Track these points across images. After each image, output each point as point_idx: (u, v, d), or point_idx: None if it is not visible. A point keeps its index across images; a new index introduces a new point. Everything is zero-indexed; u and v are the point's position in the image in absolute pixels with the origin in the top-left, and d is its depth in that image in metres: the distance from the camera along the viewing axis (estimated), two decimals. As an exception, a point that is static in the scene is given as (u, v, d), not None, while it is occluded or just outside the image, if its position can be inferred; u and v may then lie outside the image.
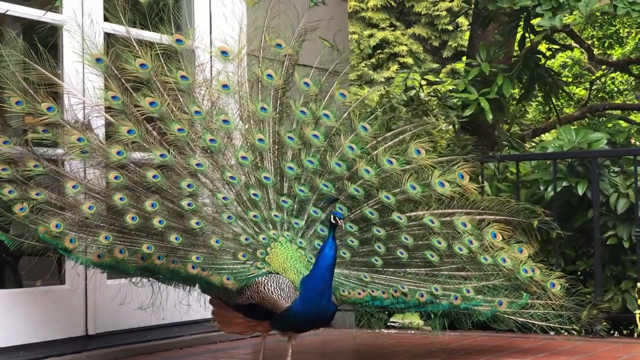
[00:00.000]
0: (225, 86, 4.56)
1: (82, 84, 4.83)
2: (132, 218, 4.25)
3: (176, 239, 4.24)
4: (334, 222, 4.14)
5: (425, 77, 8.26)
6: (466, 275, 4.63)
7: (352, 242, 4.51)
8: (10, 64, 4.27)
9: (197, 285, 4.48)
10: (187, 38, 4.61)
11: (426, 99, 9.16)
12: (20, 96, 4.29)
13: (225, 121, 4.50)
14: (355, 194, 4.54)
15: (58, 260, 4.97)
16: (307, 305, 4.15)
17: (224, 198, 4.39)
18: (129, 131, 4.36)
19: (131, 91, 4.42)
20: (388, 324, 6.68)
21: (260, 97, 4.56)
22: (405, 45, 21.24)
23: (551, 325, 4.79)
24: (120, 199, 4.26)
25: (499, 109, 8.01)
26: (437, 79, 8.77)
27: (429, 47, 21.74)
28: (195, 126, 4.47)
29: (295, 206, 4.47)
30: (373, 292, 4.42)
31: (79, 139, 4.32)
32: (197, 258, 4.23)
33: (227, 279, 4.23)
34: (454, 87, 8.11)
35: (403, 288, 4.47)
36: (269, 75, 4.61)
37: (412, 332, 6.09)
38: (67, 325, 5.07)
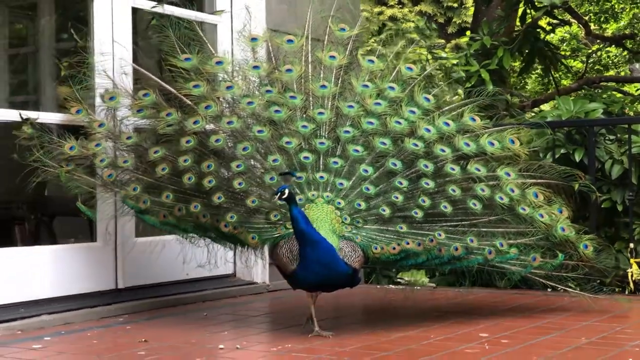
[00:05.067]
0: (288, 70, 4.54)
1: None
2: (189, 178, 4.40)
3: (219, 198, 4.34)
4: (284, 195, 4.02)
5: (432, 51, 8.18)
6: (503, 229, 4.47)
7: (397, 197, 4.34)
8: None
9: (239, 243, 4.51)
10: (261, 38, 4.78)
11: (432, 73, 9.10)
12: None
13: (292, 97, 4.49)
14: (414, 148, 4.39)
15: (89, 221, 5.19)
16: (306, 271, 4.10)
17: (273, 160, 4.37)
18: (207, 107, 4.47)
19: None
20: (395, 280, 6.67)
21: (321, 76, 4.53)
22: (412, 22, 21.03)
23: (578, 292, 4.71)
24: (185, 160, 4.42)
25: (500, 80, 7.96)
26: (444, 54, 8.69)
27: (434, 23, 21.52)
28: (264, 101, 4.52)
29: (346, 167, 4.37)
30: (408, 243, 4.29)
31: (168, 114, 4.50)
32: (231, 217, 4.33)
33: (253, 237, 4.33)
34: (458, 60, 8.02)
35: (440, 236, 4.32)
36: (332, 57, 4.55)
37: (418, 288, 6.03)
38: (98, 280, 5.09)
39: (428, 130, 4.42)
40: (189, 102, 4.52)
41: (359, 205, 4.33)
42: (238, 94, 4.51)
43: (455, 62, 8.28)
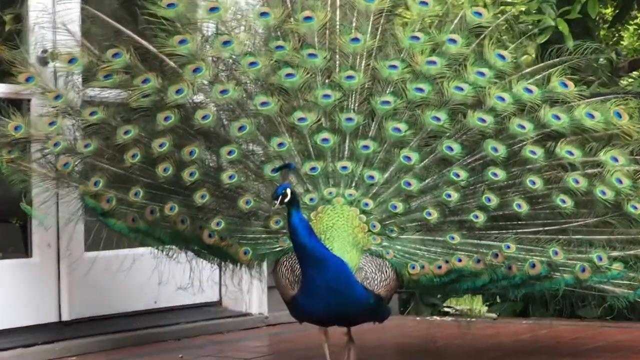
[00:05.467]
0: (307, 18, 4.38)
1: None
2: (165, 169, 4.31)
3: (202, 197, 4.27)
4: (287, 198, 3.82)
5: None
6: (604, 237, 4.27)
7: (450, 196, 4.16)
8: None
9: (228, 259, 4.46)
10: None
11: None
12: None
13: (311, 55, 4.32)
14: (481, 125, 4.22)
15: (23, 229, 5.22)
16: (311, 299, 3.93)
17: (279, 145, 4.27)
18: (195, 70, 4.33)
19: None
20: (442, 310, 6.64)
21: (353, 26, 4.40)
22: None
23: None
24: (160, 144, 4.30)
25: (585, 34, 7.70)
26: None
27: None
28: (272, 62, 4.40)
29: (381, 154, 4.24)
30: (460, 260, 4.10)
31: (144, 81, 4.38)
32: (217, 224, 4.26)
33: (245, 252, 4.25)
34: (526, 6, 7.90)
35: (508, 248, 4.14)
36: None
37: (473, 320, 5.91)
38: (36, 309, 5.05)
39: (502, 100, 4.25)
40: (172, 64, 4.37)
41: (395, 207, 4.19)
42: (238, 51, 4.37)
43: (523, 8, 8.14)
